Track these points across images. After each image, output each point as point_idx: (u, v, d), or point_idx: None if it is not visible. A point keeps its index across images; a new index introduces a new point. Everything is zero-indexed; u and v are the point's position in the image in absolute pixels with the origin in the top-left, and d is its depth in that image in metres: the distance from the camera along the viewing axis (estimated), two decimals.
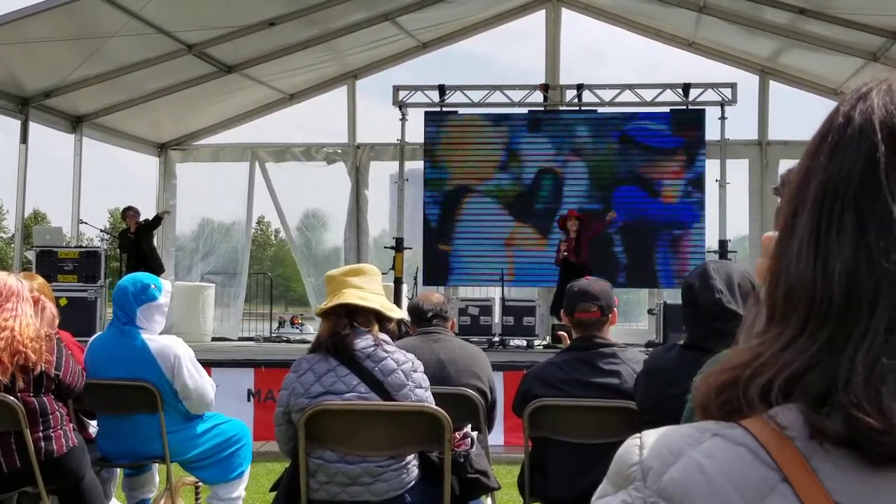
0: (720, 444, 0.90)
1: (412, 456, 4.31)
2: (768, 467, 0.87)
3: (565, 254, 13.67)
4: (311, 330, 17.68)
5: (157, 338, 5.52)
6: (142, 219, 15.24)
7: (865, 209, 0.89)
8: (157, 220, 15.65)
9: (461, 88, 16.31)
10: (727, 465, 0.88)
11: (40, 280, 5.78)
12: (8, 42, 11.90)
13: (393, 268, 15.35)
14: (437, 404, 4.29)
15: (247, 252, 18.65)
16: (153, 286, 5.57)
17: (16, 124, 14.24)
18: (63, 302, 11.77)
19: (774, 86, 16.71)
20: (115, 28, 12.39)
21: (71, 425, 4.99)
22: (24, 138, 14.23)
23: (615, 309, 4.70)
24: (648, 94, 15.83)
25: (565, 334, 4.94)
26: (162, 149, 17.94)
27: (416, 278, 15.91)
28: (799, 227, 0.94)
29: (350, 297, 4.24)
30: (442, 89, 16.09)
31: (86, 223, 15.64)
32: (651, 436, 0.96)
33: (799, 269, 0.93)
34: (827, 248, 0.91)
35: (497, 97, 16.24)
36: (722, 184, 15.56)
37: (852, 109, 0.95)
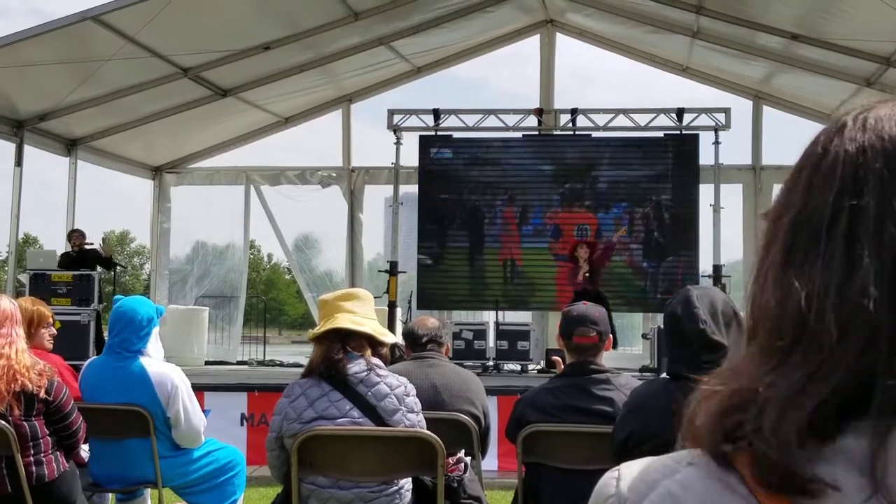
0: (694, 473, 0.90)
1: (406, 481, 4.30)
2: (741, 497, 0.86)
3: (586, 274, 13.45)
4: None
5: (156, 364, 5.50)
6: (90, 245, 14.90)
7: (831, 245, 0.89)
8: (108, 263, 15.27)
9: (456, 112, 16.34)
10: (700, 496, 0.87)
11: (42, 305, 5.84)
12: (3, 66, 11.92)
13: (387, 291, 15.33)
14: (430, 429, 4.28)
15: (244, 275, 18.64)
16: (154, 312, 5.58)
17: (10, 147, 14.24)
18: (57, 325, 11.73)
19: (768, 110, 16.78)
20: (111, 52, 12.42)
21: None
22: (18, 161, 14.23)
23: (611, 335, 4.71)
24: (642, 119, 15.87)
25: (559, 359, 4.93)
26: (156, 172, 17.94)
27: (410, 302, 15.89)
28: (769, 259, 0.94)
29: (343, 321, 4.24)
30: (436, 113, 16.11)
31: (91, 244, 15.42)
32: (629, 467, 0.96)
33: (763, 299, 0.93)
34: (789, 281, 0.90)
35: (491, 121, 16.27)
36: (716, 208, 15.58)
37: (828, 142, 0.95)
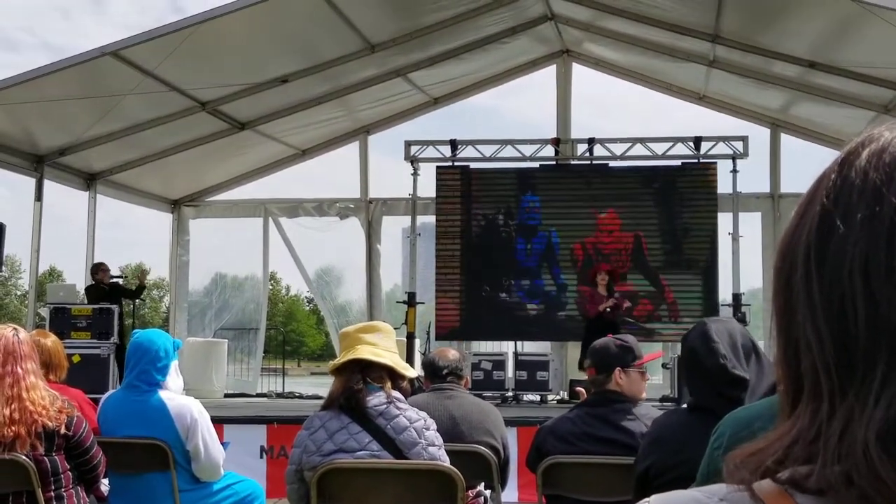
0: None
1: None
2: None
3: (609, 309, 13.28)
4: None
5: (176, 397, 5.48)
6: (114, 279, 15.19)
7: (822, 281, 0.89)
8: (139, 291, 15.67)
9: (472, 143, 16.37)
10: None
11: (53, 338, 5.79)
12: (24, 101, 12.01)
13: (405, 322, 15.32)
14: (450, 461, 4.25)
15: (263, 307, 18.67)
16: (172, 344, 5.57)
17: (31, 182, 14.33)
18: (76, 359, 11.77)
19: (785, 138, 16.74)
20: (130, 86, 12.51)
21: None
22: (38, 196, 14.32)
23: (619, 368, 4.60)
24: (659, 148, 15.85)
25: (583, 390, 4.91)
26: (175, 205, 18.02)
27: (428, 333, 15.86)
28: (777, 295, 0.95)
29: (363, 352, 4.23)
30: (454, 144, 16.14)
31: (118, 277, 15.48)
32: (659, 501, 0.95)
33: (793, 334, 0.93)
34: (793, 316, 0.92)
35: (508, 151, 16.29)
36: (735, 237, 15.54)
37: (832, 172, 0.95)
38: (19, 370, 4.62)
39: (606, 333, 5.26)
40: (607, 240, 15.82)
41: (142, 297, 16.58)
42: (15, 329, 4.81)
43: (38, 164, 14.18)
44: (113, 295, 14.43)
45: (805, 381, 0.91)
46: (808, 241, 0.91)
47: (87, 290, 14.62)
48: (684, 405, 3.57)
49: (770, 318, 0.98)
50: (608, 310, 13.26)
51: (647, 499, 0.96)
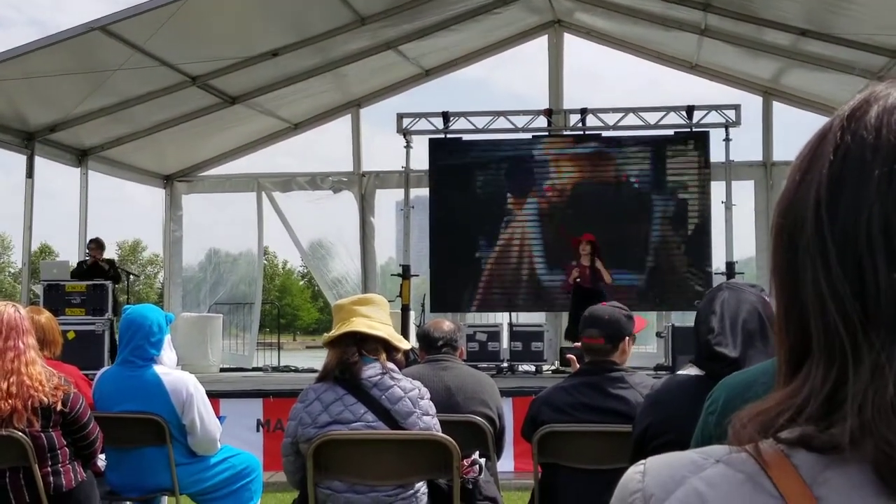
0: (722, 471, 0.89)
1: (421, 484, 4.29)
2: (770, 496, 0.85)
3: (577, 280, 13.48)
4: None
5: (171, 372, 5.50)
6: (106, 257, 15.02)
7: (836, 240, 0.89)
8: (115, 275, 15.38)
9: (465, 115, 16.33)
10: (727, 494, 0.86)
11: (47, 314, 5.78)
12: (13, 77, 11.95)
13: (400, 295, 15.33)
14: (445, 432, 4.27)
15: (259, 282, 18.70)
16: (164, 319, 5.57)
17: (22, 159, 14.29)
18: (71, 335, 11.78)
19: (778, 107, 16.73)
20: (119, 61, 12.44)
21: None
22: (29, 173, 14.26)
23: (628, 337, 4.65)
24: (652, 118, 15.84)
25: (574, 357, 4.92)
26: (167, 180, 17.98)
27: (423, 305, 15.87)
28: (778, 252, 0.95)
29: (359, 325, 4.24)
30: (446, 116, 16.10)
31: (105, 261, 15.26)
32: (655, 462, 0.95)
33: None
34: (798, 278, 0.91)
35: (501, 123, 16.26)
36: (728, 205, 15.55)
37: (837, 129, 0.94)
38: (21, 345, 4.64)
39: (592, 303, 5.24)
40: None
41: (133, 275, 16.29)
42: (15, 306, 4.82)
43: (29, 140, 14.12)
44: (93, 274, 14.26)
45: (815, 341, 0.90)
46: (818, 198, 0.90)
47: (77, 265, 14.53)
48: (687, 370, 3.54)
49: (769, 280, 0.97)
50: (577, 280, 13.33)
51: (643, 461, 0.96)
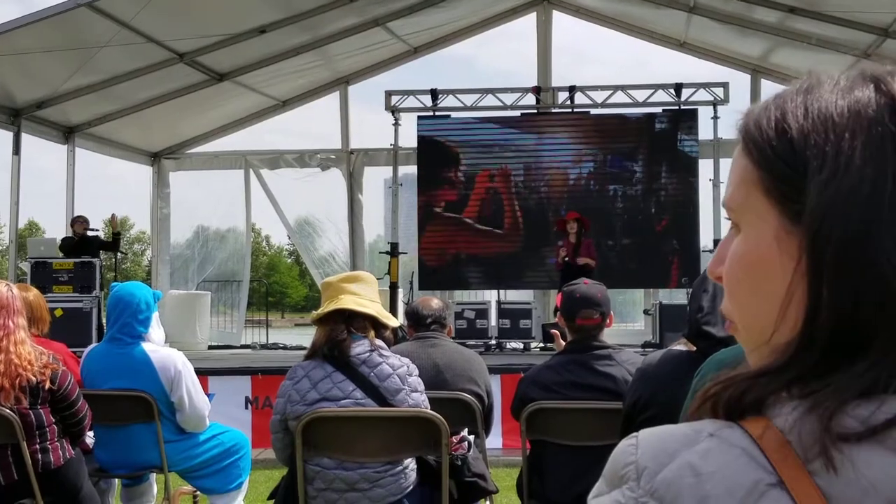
0: (715, 444, 0.88)
1: (410, 461, 4.30)
2: (763, 470, 0.85)
3: (565, 258, 13.49)
4: None
5: (159, 349, 5.49)
6: (93, 232, 14.91)
7: None
8: (116, 242, 15.47)
9: (453, 92, 16.32)
10: (721, 468, 0.86)
11: (35, 291, 5.76)
12: None
13: (388, 273, 15.34)
14: (433, 409, 4.28)
15: (247, 259, 18.69)
16: (152, 296, 5.56)
17: (8, 136, 14.23)
18: (59, 313, 11.76)
19: (766, 84, 16.73)
20: (106, 38, 12.37)
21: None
22: (16, 150, 14.21)
23: (611, 312, 4.71)
24: (640, 95, 15.84)
25: (557, 332, 4.92)
26: (155, 157, 17.92)
27: (411, 283, 15.88)
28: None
29: (347, 302, 4.23)
30: (434, 93, 16.08)
31: (95, 231, 15.16)
32: (647, 435, 0.94)
33: None
34: None
35: (489, 100, 16.25)
36: (715, 183, 15.57)
37: (869, 96, 0.94)
38: (10, 324, 4.62)
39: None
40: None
41: (121, 249, 16.23)
42: (8, 285, 4.80)
43: (15, 117, 14.05)
44: (84, 248, 14.19)
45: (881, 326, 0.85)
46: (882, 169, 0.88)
47: (62, 243, 14.41)
48: (678, 345, 3.56)
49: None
50: (566, 259, 13.34)
51: (635, 433, 0.96)
